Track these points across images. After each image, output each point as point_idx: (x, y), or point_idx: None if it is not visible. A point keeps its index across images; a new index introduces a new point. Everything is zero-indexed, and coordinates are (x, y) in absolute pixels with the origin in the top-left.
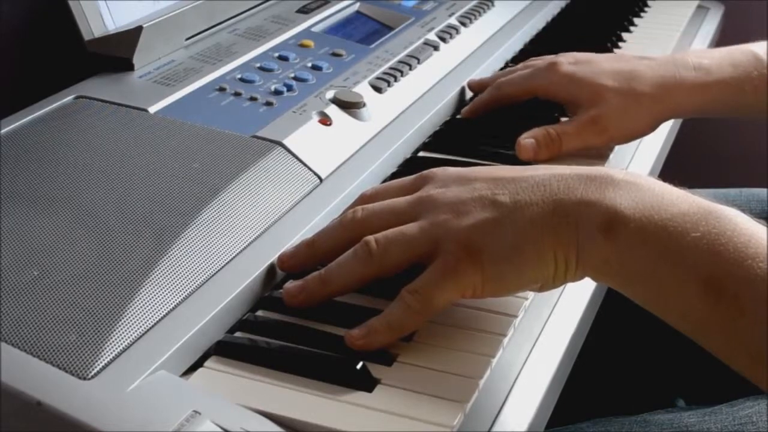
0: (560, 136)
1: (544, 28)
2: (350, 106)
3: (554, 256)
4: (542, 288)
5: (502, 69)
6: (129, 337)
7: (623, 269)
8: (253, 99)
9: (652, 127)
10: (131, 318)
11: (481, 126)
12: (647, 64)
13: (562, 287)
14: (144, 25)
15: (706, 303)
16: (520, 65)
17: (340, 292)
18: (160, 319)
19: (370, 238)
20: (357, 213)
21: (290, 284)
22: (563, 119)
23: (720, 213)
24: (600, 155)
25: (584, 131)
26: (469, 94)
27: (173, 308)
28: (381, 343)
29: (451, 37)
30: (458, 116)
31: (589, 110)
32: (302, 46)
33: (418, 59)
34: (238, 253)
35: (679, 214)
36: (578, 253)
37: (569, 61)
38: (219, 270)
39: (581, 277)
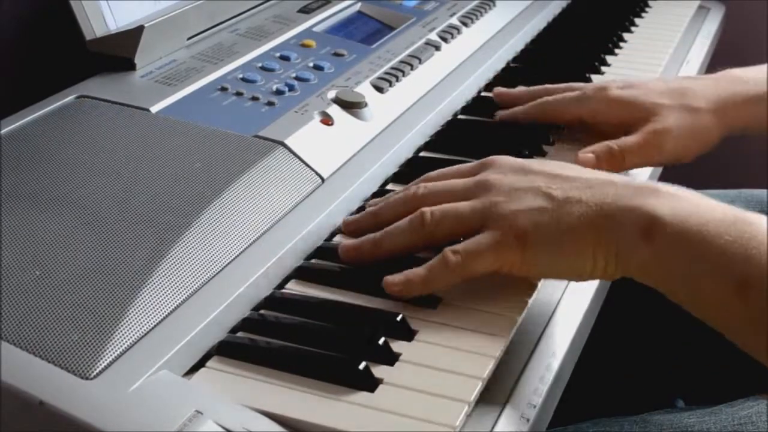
0: (622, 150)
1: (546, 29)
2: (352, 106)
3: (593, 254)
4: (579, 279)
5: (503, 69)
6: (131, 337)
7: (661, 270)
8: (254, 99)
9: (711, 144)
10: (133, 318)
11: (482, 126)
12: (697, 82)
13: (562, 288)
14: (145, 25)
15: (739, 302)
16: (563, 86)
17: (390, 254)
18: (162, 319)
19: (426, 209)
20: (419, 189)
21: (346, 241)
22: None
23: (750, 219)
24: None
25: (646, 146)
26: (470, 93)
27: (175, 308)
28: (415, 292)
29: (453, 37)
30: (459, 116)
31: (648, 126)
32: (304, 45)
33: (420, 59)
34: (240, 253)
35: (713, 220)
36: (617, 254)
37: (618, 85)
38: (221, 270)
39: (621, 276)
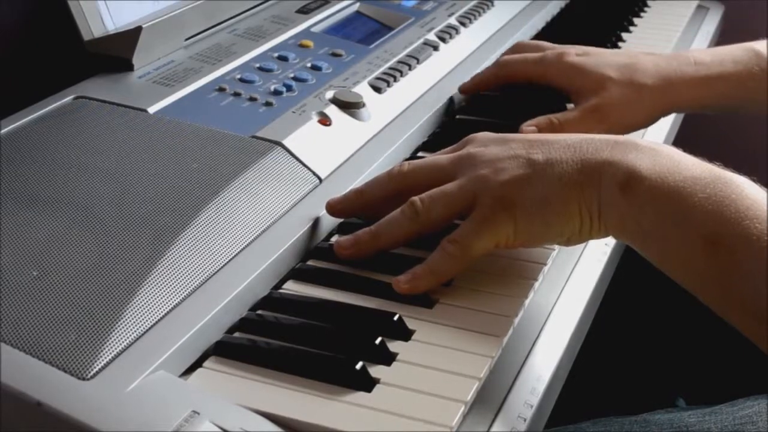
0: (562, 123)
1: (544, 28)
2: (350, 106)
3: (579, 211)
4: (569, 242)
5: None
6: (128, 338)
7: (637, 225)
8: (252, 99)
9: (652, 120)
10: (130, 318)
11: (481, 125)
12: (650, 59)
13: (561, 287)
14: (143, 26)
15: (705, 258)
16: (530, 43)
17: (389, 247)
18: (159, 319)
19: (416, 198)
20: (404, 167)
21: (341, 238)
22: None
23: (729, 179)
24: None
25: (586, 119)
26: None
27: (172, 308)
28: (424, 287)
29: (451, 37)
30: (458, 116)
31: (591, 99)
32: (302, 46)
33: (418, 59)
34: (237, 253)
35: (690, 178)
36: (600, 208)
37: (577, 52)
38: (218, 270)
39: (604, 235)
